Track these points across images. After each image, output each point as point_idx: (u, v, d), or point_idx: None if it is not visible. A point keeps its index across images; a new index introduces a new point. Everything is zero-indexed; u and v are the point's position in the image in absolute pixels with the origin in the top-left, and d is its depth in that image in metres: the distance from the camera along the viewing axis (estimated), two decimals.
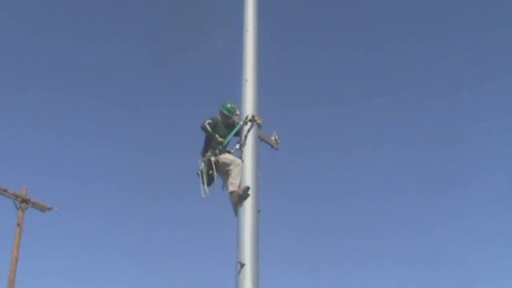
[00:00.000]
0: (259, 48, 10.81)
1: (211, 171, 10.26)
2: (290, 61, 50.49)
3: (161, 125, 52.03)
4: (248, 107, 10.26)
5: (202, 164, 10.40)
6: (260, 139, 10.44)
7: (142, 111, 53.68)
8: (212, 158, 10.23)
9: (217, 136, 10.42)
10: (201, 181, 10.32)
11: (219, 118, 10.65)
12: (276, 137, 11.02)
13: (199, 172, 10.41)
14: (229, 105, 10.61)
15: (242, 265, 8.99)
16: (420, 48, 51.26)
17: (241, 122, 10.24)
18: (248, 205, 9.47)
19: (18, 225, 22.92)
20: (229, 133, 10.44)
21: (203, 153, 10.55)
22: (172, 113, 52.24)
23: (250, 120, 10.14)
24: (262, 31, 10.94)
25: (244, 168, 9.83)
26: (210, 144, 10.50)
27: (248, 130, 10.10)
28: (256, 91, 10.44)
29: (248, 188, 9.58)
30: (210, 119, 10.56)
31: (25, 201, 23.18)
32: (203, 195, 10.28)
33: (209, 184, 10.29)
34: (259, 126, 10.27)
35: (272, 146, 10.96)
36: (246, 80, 10.44)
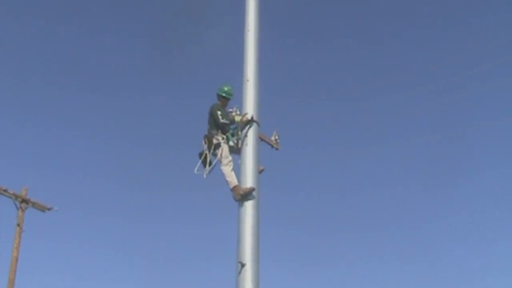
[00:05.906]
0: (260, 48, 10.81)
1: (211, 153, 10.38)
2: (290, 61, 50.54)
3: (162, 125, 52.07)
4: (249, 107, 10.25)
5: (206, 145, 10.50)
6: (260, 139, 10.41)
7: (142, 111, 53.70)
8: (222, 142, 10.36)
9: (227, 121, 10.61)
10: (202, 160, 10.45)
11: (220, 103, 10.93)
12: (276, 137, 11.02)
13: (202, 153, 10.51)
14: (226, 88, 11.05)
15: (243, 265, 8.98)
16: (418, 47, 51.27)
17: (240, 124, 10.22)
18: (248, 205, 9.47)
19: (18, 225, 22.91)
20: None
21: (209, 136, 10.61)
22: (172, 112, 52.33)
23: (249, 121, 10.09)
24: (263, 31, 10.94)
25: (245, 168, 9.80)
26: (219, 127, 10.59)
27: (247, 131, 10.05)
28: (257, 91, 10.43)
29: (253, 188, 9.55)
30: (218, 109, 10.69)
31: (25, 201, 23.17)
32: (196, 171, 10.40)
33: (206, 165, 10.45)
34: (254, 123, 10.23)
35: (272, 146, 10.96)
36: (247, 80, 10.43)
